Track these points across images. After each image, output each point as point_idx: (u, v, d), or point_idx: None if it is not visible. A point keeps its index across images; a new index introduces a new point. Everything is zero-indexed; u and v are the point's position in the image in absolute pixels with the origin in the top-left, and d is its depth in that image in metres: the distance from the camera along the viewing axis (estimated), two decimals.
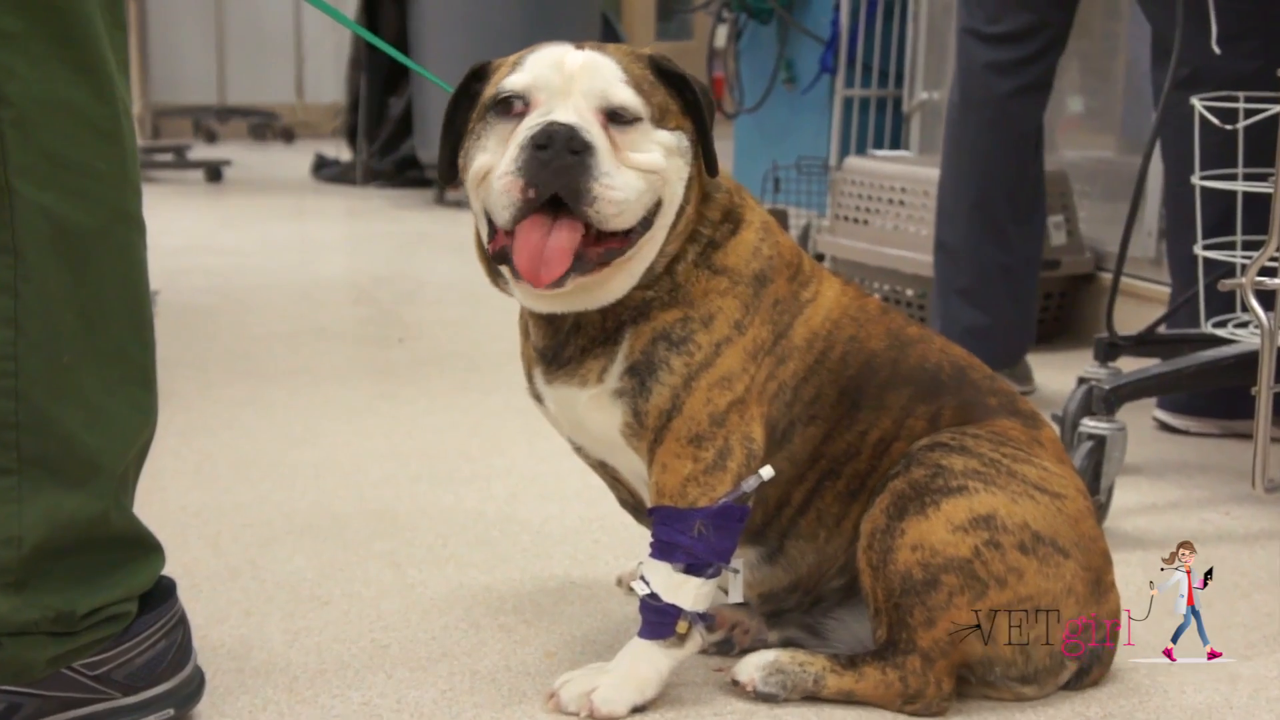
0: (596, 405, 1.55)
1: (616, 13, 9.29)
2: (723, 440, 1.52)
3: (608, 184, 1.43)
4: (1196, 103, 2.26)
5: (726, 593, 1.59)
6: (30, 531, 1.35)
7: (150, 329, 1.45)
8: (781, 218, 4.43)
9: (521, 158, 1.43)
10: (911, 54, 4.49)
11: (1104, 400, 2.23)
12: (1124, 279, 2.42)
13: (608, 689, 1.53)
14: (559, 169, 1.41)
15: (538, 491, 2.36)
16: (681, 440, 1.52)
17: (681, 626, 1.53)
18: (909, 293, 3.68)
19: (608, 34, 6.68)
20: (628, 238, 1.48)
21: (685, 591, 1.52)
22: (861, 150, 4.49)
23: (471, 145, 1.52)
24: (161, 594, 1.49)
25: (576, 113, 1.45)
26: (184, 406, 2.85)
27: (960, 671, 1.55)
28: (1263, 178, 2.18)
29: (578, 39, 1.58)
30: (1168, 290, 2.91)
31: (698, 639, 1.56)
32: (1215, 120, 2.22)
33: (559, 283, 1.44)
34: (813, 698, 1.56)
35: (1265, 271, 1.96)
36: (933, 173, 3.30)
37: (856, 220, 3.86)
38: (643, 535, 1.66)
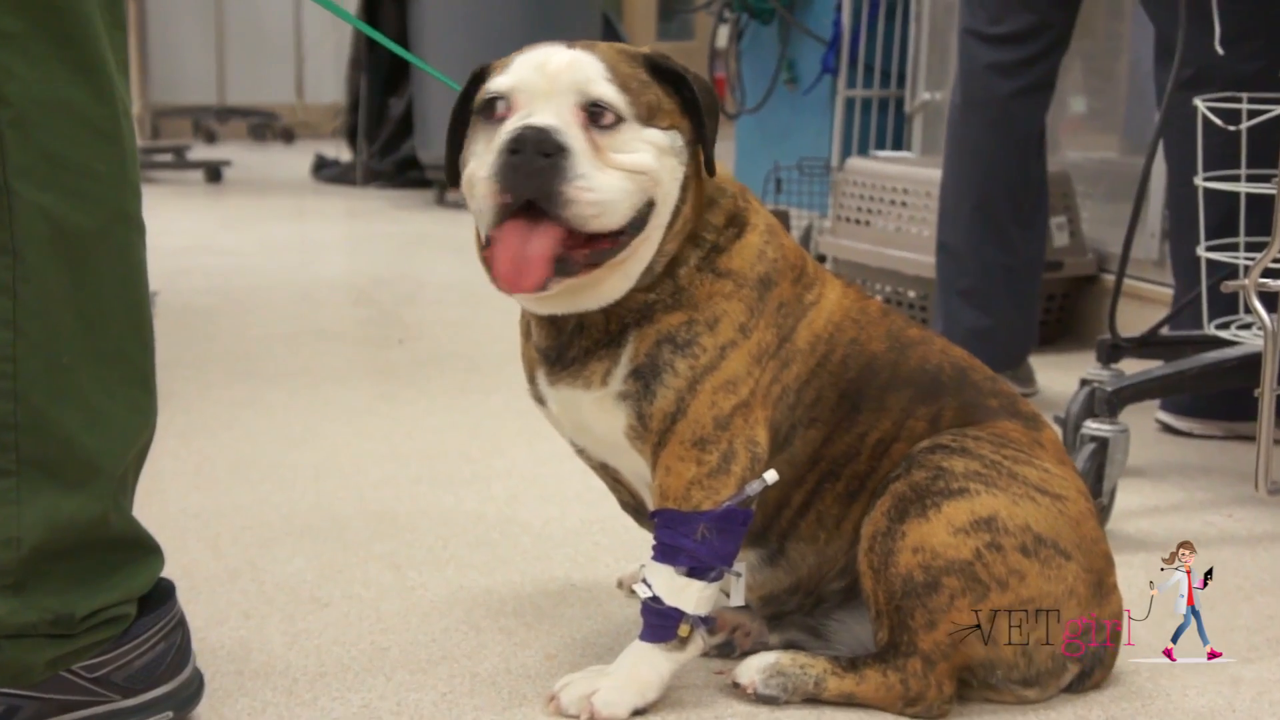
0: (600, 408, 1.54)
1: (618, 13, 9.28)
2: (727, 444, 1.51)
3: (582, 186, 1.41)
4: (1200, 103, 2.25)
5: (728, 595, 1.59)
6: (29, 533, 1.35)
7: (150, 330, 1.44)
8: (783, 218, 4.42)
9: (497, 163, 1.43)
10: (913, 54, 4.49)
11: (1106, 402, 2.23)
12: (1127, 280, 2.42)
13: (609, 692, 1.53)
14: (530, 173, 1.41)
15: (538, 493, 2.36)
16: (685, 443, 1.51)
17: (683, 630, 1.52)
18: (911, 294, 3.67)
19: (609, 34, 6.66)
20: (618, 239, 1.47)
21: (688, 595, 1.52)
22: (863, 151, 4.47)
23: (466, 149, 1.52)
24: (160, 596, 1.48)
25: (556, 114, 1.44)
26: (183, 408, 2.84)
27: (962, 674, 1.55)
28: (1266, 179, 2.18)
29: (577, 39, 1.58)
30: (1170, 292, 2.91)
31: (699, 642, 1.55)
32: (1218, 121, 2.21)
33: (541, 287, 1.43)
34: (814, 700, 1.56)
35: (1268, 273, 1.95)
36: (935, 174, 3.29)
37: (858, 221, 3.85)
38: (643, 538, 1.65)
